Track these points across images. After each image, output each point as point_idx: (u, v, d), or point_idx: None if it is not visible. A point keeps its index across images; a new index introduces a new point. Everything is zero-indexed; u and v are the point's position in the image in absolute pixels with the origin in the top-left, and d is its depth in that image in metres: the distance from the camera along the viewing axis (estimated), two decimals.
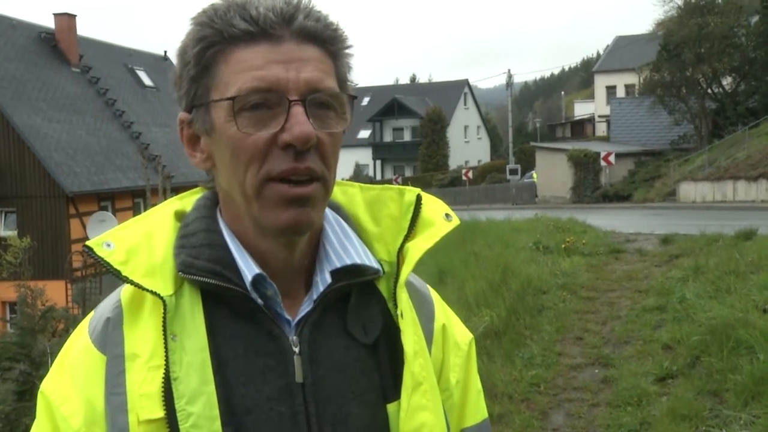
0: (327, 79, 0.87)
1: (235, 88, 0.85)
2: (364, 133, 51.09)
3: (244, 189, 0.86)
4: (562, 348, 6.53)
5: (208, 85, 0.88)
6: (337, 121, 0.88)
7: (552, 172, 29.65)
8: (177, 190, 22.11)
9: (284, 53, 0.85)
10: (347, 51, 0.92)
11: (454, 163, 47.57)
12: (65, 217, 19.69)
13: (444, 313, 1.05)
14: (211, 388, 0.84)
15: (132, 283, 0.87)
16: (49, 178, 19.43)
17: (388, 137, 52.27)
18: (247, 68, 0.85)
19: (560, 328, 7.05)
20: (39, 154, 19.45)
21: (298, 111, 0.84)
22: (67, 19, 24.22)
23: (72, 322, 8.04)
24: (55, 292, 13.50)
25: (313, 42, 0.87)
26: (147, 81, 28.00)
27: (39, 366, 4.58)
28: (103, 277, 18.99)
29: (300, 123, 0.83)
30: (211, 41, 0.86)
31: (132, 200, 22.23)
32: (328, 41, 0.89)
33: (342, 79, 0.91)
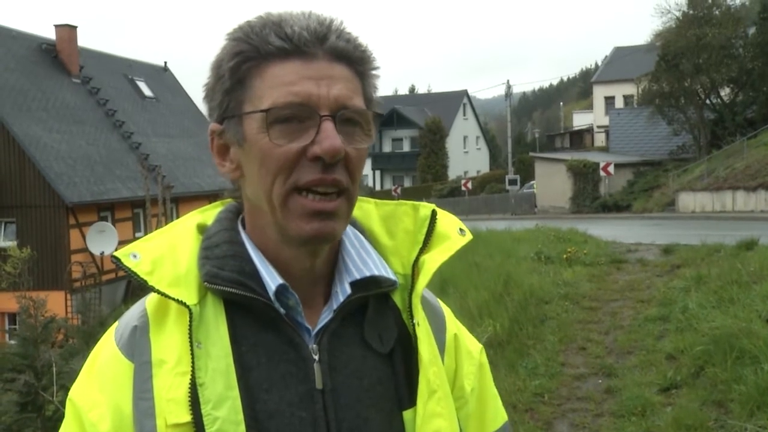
0: (355, 97, 0.91)
1: (269, 102, 0.88)
2: None
3: (270, 198, 0.90)
4: (566, 358, 6.53)
5: (241, 97, 0.91)
6: (362, 137, 0.92)
7: (551, 183, 29.70)
8: (176, 200, 22.19)
9: (316, 70, 0.89)
10: (374, 72, 0.96)
11: (453, 173, 47.63)
12: (65, 227, 19.66)
13: (455, 324, 1.09)
14: (236, 393, 0.87)
15: (159, 292, 0.90)
16: (49, 189, 19.40)
17: (387, 147, 52.36)
18: (281, 83, 0.89)
19: (563, 338, 7.04)
20: (39, 165, 19.44)
21: (328, 126, 0.88)
22: (68, 31, 24.29)
23: (73, 332, 8.03)
24: (54, 303, 13.47)
25: (343, 61, 0.91)
26: (147, 91, 28.03)
27: (42, 377, 4.55)
28: (102, 287, 18.98)
29: (330, 137, 0.87)
30: (247, 56, 0.90)
31: (131, 210, 22.19)
32: (357, 61, 0.93)
33: (368, 98, 0.95)
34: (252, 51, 0.89)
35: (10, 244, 18.49)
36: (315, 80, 0.88)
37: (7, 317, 18.04)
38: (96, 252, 19.35)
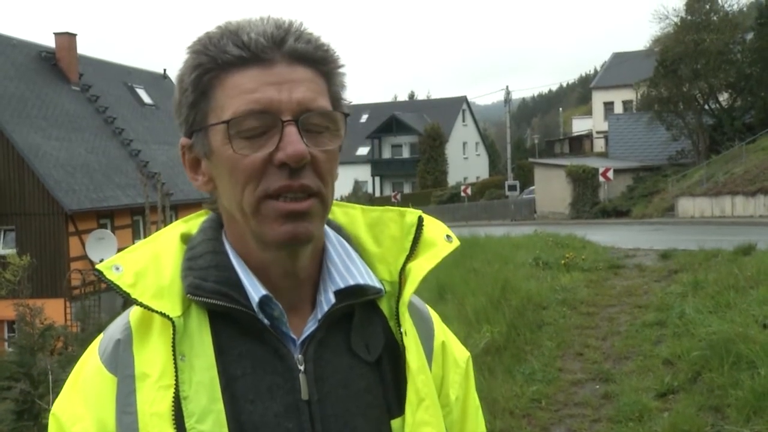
0: (319, 99, 0.90)
1: (231, 112, 0.88)
2: (363, 150, 51.21)
3: (242, 207, 0.89)
4: (563, 363, 6.52)
5: (205, 110, 0.91)
6: (330, 138, 0.91)
7: (550, 188, 29.71)
8: (176, 207, 22.20)
9: (276, 75, 0.88)
10: (339, 70, 0.95)
11: (452, 179, 47.62)
12: (64, 234, 19.67)
13: (443, 331, 1.07)
14: (220, 406, 0.86)
15: (141, 305, 0.89)
16: (49, 196, 19.43)
17: (386, 154, 52.38)
18: (241, 92, 0.88)
19: (561, 344, 7.04)
20: (38, 172, 19.47)
21: (291, 131, 0.87)
22: (67, 38, 24.36)
23: (71, 340, 8.03)
24: (54, 311, 13.47)
25: (305, 63, 0.90)
26: (146, 99, 28.11)
27: (38, 385, 4.55)
28: (101, 295, 18.97)
29: (293, 142, 0.86)
30: (207, 68, 0.90)
31: (131, 218, 22.22)
32: (320, 62, 0.92)
33: (335, 98, 0.94)
34: (210, 62, 0.89)
35: (10, 251, 18.51)
36: (276, 85, 0.88)
37: (6, 325, 18.02)
38: (95, 259, 19.37)
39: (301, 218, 0.88)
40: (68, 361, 5.78)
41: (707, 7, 27.47)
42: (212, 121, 0.90)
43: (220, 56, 0.89)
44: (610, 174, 26.99)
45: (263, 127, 0.88)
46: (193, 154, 0.95)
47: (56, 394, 4.41)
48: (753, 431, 4.43)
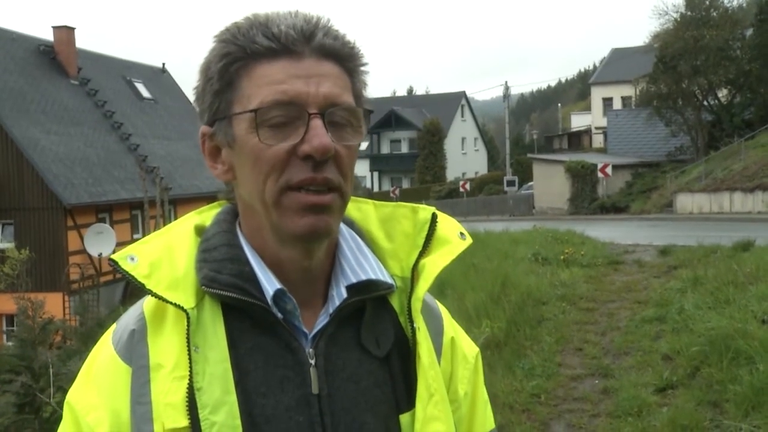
0: (344, 94, 0.91)
1: (258, 101, 0.88)
2: (362, 145, 50.65)
3: (263, 198, 0.89)
4: (563, 359, 6.54)
5: (230, 98, 0.91)
6: (353, 134, 0.92)
7: (549, 184, 29.72)
8: (174, 202, 22.21)
9: (304, 69, 0.89)
10: (363, 68, 0.96)
11: (451, 174, 47.64)
12: (63, 229, 19.65)
13: (452, 327, 1.08)
14: (233, 398, 0.87)
15: (156, 296, 0.90)
16: (47, 190, 19.40)
17: (385, 149, 52.37)
18: (269, 82, 0.88)
19: (560, 339, 7.06)
20: (37, 166, 19.43)
21: (317, 124, 0.87)
22: (66, 32, 24.28)
23: (71, 334, 8.05)
24: (53, 304, 13.46)
25: (332, 59, 0.91)
26: (145, 93, 28.02)
27: (39, 378, 4.55)
28: (100, 289, 18.97)
29: (319, 135, 0.87)
30: (235, 57, 0.90)
31: (130, 212, 22.18)
32: (346, 58, 0.93)
33: (358, 95, 0.95)
34: (239, 51, 0.89)
35: (9, 245, 18.50)
36: (303, 78, 0.88)
37: (5, 319, 18.03)
38: (94, 253, 19.35)
39: (322, 212, 0.89)
40: (68, 355, 5.78)
41: (707, 3, 27.45)
42: (237, 110, 0.90)
43: (250, 46, 0.89)
44: (609, 170, 27.02)
45: (289, 119, 0.88)
46: (213, 143, 0.95)
47: (57, 387, 4.41)
48: (751, 426, 4.45)
